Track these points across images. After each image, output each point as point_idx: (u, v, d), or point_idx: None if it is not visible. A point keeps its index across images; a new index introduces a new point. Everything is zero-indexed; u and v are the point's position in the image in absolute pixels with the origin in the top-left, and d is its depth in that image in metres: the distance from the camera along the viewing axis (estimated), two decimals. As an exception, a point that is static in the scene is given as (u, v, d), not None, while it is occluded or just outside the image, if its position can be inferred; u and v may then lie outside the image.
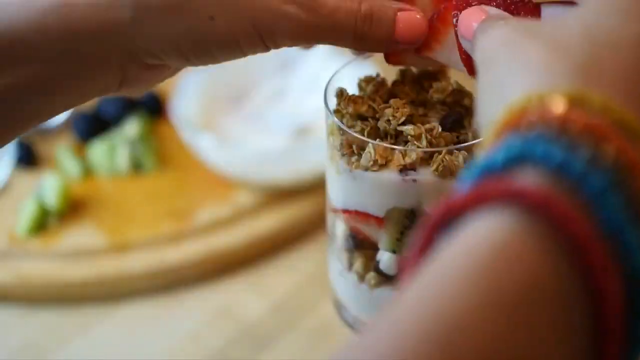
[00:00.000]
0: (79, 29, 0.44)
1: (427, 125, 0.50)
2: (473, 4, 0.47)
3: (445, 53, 0.50)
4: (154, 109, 1.02)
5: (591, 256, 0.25)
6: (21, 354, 0.78)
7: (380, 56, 0.54)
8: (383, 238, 0.53)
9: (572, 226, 0.25)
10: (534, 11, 0.46)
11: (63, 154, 0.96)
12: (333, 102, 0.53)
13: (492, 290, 0.25)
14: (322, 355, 0.76)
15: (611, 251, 0.26)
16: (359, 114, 0.51)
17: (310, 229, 0.89)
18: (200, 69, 0.98)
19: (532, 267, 0.26)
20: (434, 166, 0.48)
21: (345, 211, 0.54)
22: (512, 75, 0.32)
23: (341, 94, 0.53)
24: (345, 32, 0.47)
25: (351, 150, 0.51)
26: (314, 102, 0.96)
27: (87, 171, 0.94)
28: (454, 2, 0.48)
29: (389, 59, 0.53)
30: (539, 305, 0.26)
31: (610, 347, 0.26)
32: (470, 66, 0.47)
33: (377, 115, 0.51)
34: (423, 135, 0.49)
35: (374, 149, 0.49)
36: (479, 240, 0.26)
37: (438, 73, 0.54)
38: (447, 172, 0.49)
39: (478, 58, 0.38)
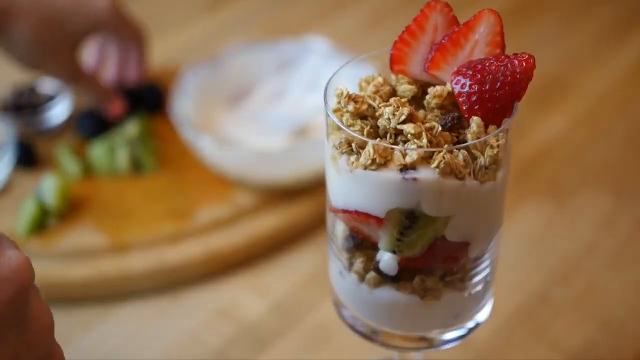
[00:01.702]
0: None
1: (427, 124, 0.50)
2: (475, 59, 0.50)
3: (451, 72, 0.51)
4: (154, 104, 1.02)
5: None
6: (21, 354, 0.77)
7: (382, 59, 0.55)
8: (383, 238, 0.53)
9: None
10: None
11: (63, 154, 0.96)
12: (333, 102, 0.53)
13: None
14: (322, 355, 0.76)
15: None
16: (359, 112, 0.51)
17: (310, 229, 0.89)
18: (201, 69, 0.98)
19: None
20: (435, 163, 0.48)
21: (345, 211, 0.54)
22: None
23: (341, 92, 0.53)
24: None
25: (350, 149, 0.51)
26: (313, 102, 0.96)
27: (87, 171, 0.94)
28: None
29: (393, 68, 0.54)
30: None
31: None
32: (466, 109, 0.50)
33: (377, 114, 0.51)
34: (423, 134, 0.49)
35: (373, 148, 0.49)
36: None
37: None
38: (448, 170, 0.49)
39: None
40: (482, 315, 0.60)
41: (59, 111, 1.03)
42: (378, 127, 0.51)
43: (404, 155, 0.49)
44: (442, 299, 0.56)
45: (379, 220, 0.52)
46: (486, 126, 0.50)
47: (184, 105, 0.93)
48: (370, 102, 0.51)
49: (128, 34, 0.96)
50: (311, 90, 0.98)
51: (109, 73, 1.01)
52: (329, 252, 0.61)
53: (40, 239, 0.86)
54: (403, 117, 0.50)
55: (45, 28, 0.86)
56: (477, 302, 0.59)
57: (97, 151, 0.94)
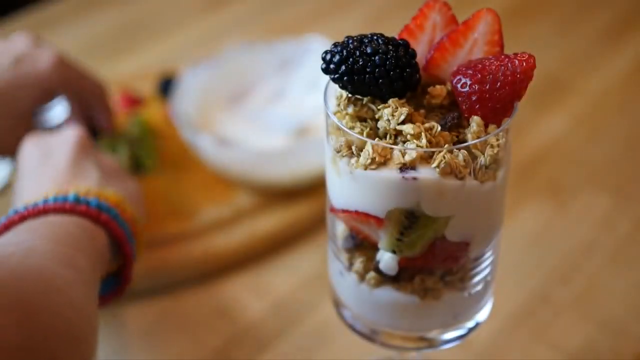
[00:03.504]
0: None
1: (427, 124, 0.50)
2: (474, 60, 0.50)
3: (450, 71, 0.51)
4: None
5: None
6: (21, 354, 0.77)
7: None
8: (383, 238, 0.53)
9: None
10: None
11: (63, 154, 0.95)
12: (333, 103, 0.53)
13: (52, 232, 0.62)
14: (322, 355, 0.76)
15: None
16: (359, 115, 0.51)
17: (310, 229, 0.89)
18: (201, 69, 0.98)
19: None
20: (435, 163, 0.48)
21: (346, 211, 0.54)
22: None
23: (340, 95, 0.53)
24: None
25: (351, 151, 0.51)
26: (313, 102, 0.96)
27: (87, 171, 0.94)
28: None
29: None
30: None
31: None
32: (466, 109, 0.50)
33: (376, 116, 0.51)
34: (423, 134, 0.49)
35: (372, 148, 0.49)
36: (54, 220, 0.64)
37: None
38: (448, 170, 0.49)
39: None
40: (482, 315, 0.60)
41: (58, 112, 1.03)
42: (378, 129, 0.51)
43: (404, 154, 0.49)
44: (442, 299, 0.56)
45: (379, 221, 0.52)
46: (486, 126, 0.50)
47: (184, 105, 0.93)
48: (370, 104, 0.51)
49: (85, 90, 0.88)
50: (311, 90, 0.98)
51: None
52: (329, 252, 0.61)
53: (40, 239, 0.86)
54: (402, 117, 0.50)
55: None
56: (477, 302, 0.59)
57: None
